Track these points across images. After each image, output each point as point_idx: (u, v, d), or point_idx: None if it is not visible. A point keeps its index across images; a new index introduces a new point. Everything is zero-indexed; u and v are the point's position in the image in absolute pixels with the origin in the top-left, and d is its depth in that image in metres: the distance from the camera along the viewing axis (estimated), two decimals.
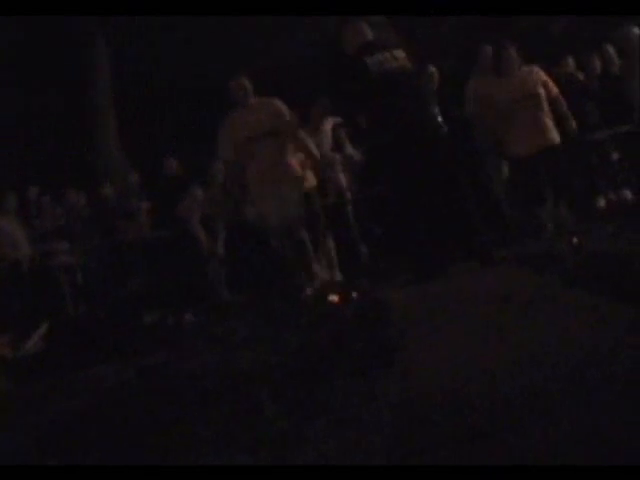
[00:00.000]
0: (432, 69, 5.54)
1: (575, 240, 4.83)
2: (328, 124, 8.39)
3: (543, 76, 6.58)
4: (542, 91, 6.43)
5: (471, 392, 2.20)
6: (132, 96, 11.38)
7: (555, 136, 6.46)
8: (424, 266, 5.15)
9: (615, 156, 7.94)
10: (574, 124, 6.58)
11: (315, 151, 6.33)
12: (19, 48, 10.91)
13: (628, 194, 7.62)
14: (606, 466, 1.53)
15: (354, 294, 4.90)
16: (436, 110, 5.48)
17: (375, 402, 2.32)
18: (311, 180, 7.16)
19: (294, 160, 6.21)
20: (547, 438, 1.74)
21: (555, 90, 6.56)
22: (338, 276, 6.62)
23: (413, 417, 2.11)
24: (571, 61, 7.93)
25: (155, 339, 6.05)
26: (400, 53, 5.40)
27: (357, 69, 5.35)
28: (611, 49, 7.88)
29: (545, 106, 6.43)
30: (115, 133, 11.08)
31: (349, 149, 8.20)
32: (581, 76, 7.71)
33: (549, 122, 6.46)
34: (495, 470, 1.63)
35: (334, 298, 4.92)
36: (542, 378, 2.16)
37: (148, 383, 3.68)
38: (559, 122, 6.53)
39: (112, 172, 10.35)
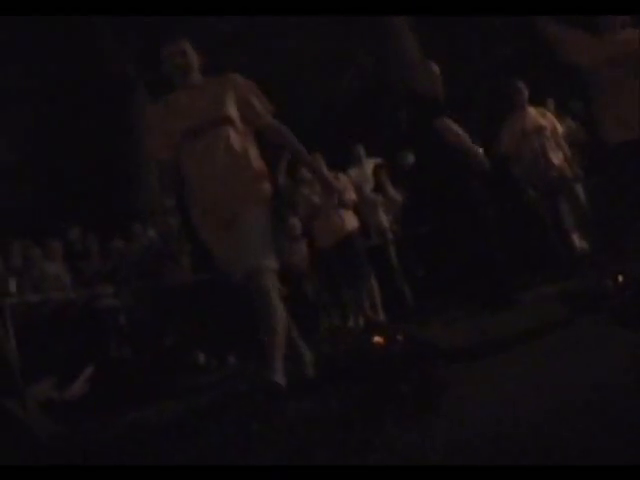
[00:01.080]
0: None
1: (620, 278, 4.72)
2: (369, 166, 8.46)
3: None
4: None
5: (521, 434, 2.16)
6: None
7: None
8: (471, 304, 5.14)
9: None
10: None
11: (299, 147, 4.06)
12: (64, 103, 11.24)
13: None
14: None
15: (399, 335, 4.85)
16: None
17: (423, 445, 2.29)
18: (353, 222, 7.18)
19: (257, 161, 3.97)
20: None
21: None
22: (383, 317, 6.58)
23: (462, 459, 2.07)
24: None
25: (199, 381, 6.07)
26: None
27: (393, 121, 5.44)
28: None
29: None
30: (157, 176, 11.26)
31: (391, 190, 8.23)
32: None
33: None
34: None
35: (379, 340, 4.88)
36: (592, 420, 2.11)
37: (193, 425, 3.66)
38: None
39: (154, 215, 10.50)
